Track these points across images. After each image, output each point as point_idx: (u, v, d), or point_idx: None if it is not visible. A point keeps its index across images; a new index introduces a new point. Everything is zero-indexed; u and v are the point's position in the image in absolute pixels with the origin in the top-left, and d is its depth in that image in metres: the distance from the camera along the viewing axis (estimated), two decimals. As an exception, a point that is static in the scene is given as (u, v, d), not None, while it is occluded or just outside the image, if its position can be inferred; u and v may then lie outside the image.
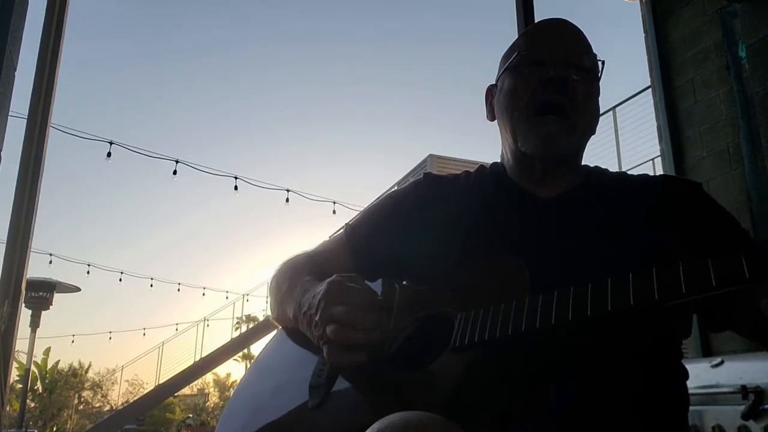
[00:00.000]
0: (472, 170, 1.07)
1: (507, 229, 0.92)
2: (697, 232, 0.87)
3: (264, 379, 1.00)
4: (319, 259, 1.05)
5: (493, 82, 1.04)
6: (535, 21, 3.04)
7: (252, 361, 1.06)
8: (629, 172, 1.04)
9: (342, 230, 1.07)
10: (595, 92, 0.96)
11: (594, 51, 0.96)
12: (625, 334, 0.77)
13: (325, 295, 0.81)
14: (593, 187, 0.96)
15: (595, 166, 1.03)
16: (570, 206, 0.93)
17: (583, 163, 1.01)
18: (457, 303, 0.82)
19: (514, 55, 0.97)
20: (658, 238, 0.85)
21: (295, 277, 0.97)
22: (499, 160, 1.06)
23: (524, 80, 0.94)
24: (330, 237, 1.09)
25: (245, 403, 0.97)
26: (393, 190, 1.09)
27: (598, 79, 0.96)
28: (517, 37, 1.02)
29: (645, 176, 1.01)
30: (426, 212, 1.00)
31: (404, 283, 0.99)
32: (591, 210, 0.91)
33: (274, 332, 1.07)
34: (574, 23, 0.99)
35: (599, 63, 0.95)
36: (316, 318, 0.81)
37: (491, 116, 1.04)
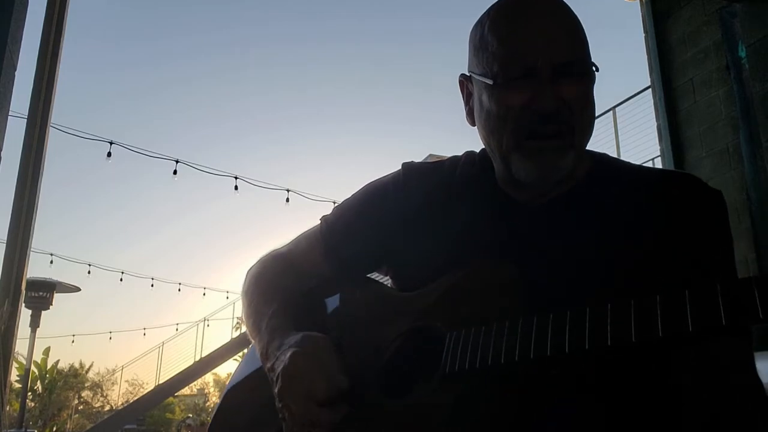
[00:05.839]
0: (458, 155, 0.98)
1: (495, 235, 0.85)
2: (692, 255, 0.78)
3: (242, 401, 0.98)
4: (294, 257, 1.01)
5: (466, 73, 0.89)
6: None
7: (230, 375, 1.03)
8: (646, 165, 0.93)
9: (317, 227, 1.00)
10: (591, 93, 0.81)
11: (586, 36, 0.82)
12: (620, 359, 0.72)
13: (284, 371, 0.77)
14: (596, 186, 0.86)
15: (602, 154, 0.92)
16: (562, 212, 0.84)
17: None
18: (449, 315, 0.79)
19: (489, 66, 0.80)
20: (650, 253, 0.78)
21: (261, 304, 0.94)
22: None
23: (506, 104, 0.79)
24: (305, 232, 1.02)
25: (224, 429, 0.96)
26: (371, 182, 0.99)
27: (594, 75, 0.81)
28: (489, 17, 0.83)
29: (661, 175, 0.88)
30: (408, 211, 0.92)
31: (389, 282, 0.96)
32: (588, 216, 0.83)
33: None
34: (556, 2, 0.82)
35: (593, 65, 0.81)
36: (275, 390, 0.78)
37: (471, 120, 0.89)
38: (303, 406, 0.75)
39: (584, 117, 0.80)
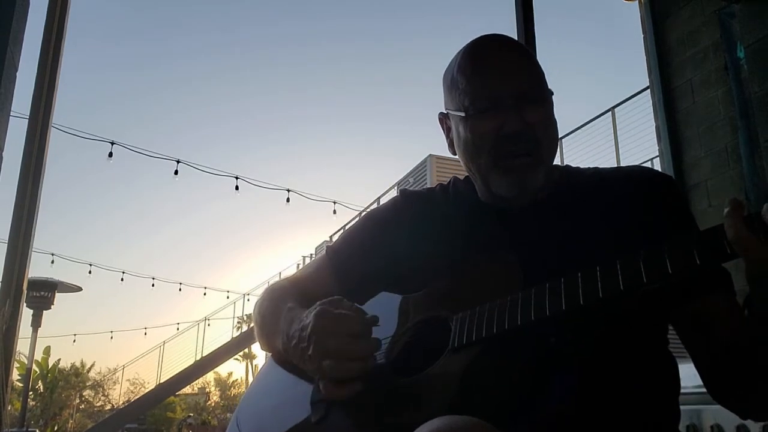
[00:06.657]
0: (445, 182, 1.09)
1: (489, 234, 0.94)
2: (658, 232, 0.86)
3: (265, 396, 1.01)
4: (303, 284, 1.05)
5: (443, 111, 1.01)
6: (534, 21, 3.06)
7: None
8: (604, 167, 1.04)
9: (323, 254, 1.07)
10: (551, 114, 0.94)
11: (541, 68, 0.95)
12: (615, 319, 0.81)
13: (314, 328, 0.80)
14: (565, 191, 0.97)
15: (566, 166, 1.04)
16: (544, 211, 0.94)
17: (567, 163, 1.04)
18: (453, 305, 0.84)
19: (461, 101, 0.93)
20: (623, 237, 0.86)
21: (278, 305, 0.97)
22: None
23: (480, 132, 0.91)
24: (311, 260, 1.10)
25: (248, 423, 0.98)
26: (370, 209, 1.11)
27: (551, 98, 0.94)
28: (463, 53, 0.96)
29: (617, 172, 1.00)
30: (408, 228, 1.02)
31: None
32: (564, 214, 0.93)
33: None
34: (512, 41, 0.96)
35: (549, 90, 0.93)
36: (309, 352, 0.80)
37: (452, 150, 1.01)
38: (339, 342, 0.78)
39: (547, 135, 0.92)
